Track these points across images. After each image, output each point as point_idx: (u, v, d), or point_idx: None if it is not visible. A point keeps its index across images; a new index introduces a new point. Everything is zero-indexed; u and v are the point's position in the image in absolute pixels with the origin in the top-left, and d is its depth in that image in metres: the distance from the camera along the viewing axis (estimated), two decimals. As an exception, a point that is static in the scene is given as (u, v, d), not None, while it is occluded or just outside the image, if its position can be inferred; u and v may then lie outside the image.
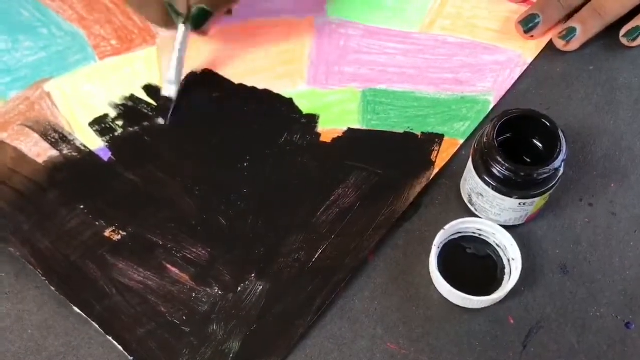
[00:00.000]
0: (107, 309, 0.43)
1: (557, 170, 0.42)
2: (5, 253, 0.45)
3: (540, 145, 0.45)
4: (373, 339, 0.43)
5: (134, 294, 0.44)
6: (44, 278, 0.44)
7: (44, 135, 0.50)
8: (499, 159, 0.42)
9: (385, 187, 0.48)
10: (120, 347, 0.42)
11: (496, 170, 0.42)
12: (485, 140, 0.43)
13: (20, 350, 0.42)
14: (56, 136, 0.50)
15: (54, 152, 0.49)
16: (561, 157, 0.42)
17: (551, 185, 0.43)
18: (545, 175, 0.42)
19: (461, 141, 0.50)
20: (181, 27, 0.49)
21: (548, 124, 0.43)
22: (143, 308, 0.43)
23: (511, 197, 0.43)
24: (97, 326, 0.42)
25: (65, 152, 0.49)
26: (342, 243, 0.45)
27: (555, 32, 0.54)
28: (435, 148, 0.49)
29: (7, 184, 0.47)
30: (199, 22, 0.49)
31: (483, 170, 0.43)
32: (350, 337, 0.43)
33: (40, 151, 0.49)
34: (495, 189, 0.43)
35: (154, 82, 0.52)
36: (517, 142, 0.44)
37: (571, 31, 0.53)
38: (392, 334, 0.43)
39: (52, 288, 0.43)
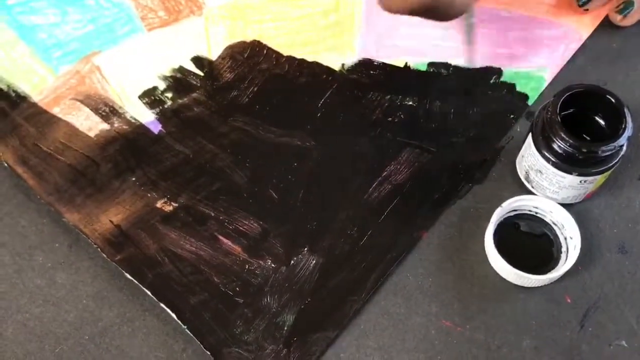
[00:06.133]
0: (159, 276, 0.43)
1: (621, 147, 0.41)
2: (58, 223, 0.45)
3: (603, 122, 0.44)
4: (428, 315, 0.42)
5: (186, 264, 0.43)
6: (96, 245, 0.44)
7: (95, 109, 0.49)
8: (563, 135, 0.40)
9: (438, 165, 0.47)
10: (174, 316, 0.42)
11: (557, 146, 0.41)
12: (547, 115, 0.42)
13: (76, 320, 0.42)
14: (107, 109, 0.49)
15: (105, 126, 0.49)
16: (627, 133, 0.41)
17: (613, 162, 0.42)
18: (609, 152, 0.41)
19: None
20: None
21: (613, 100, 0.42)
22: (196, 277, 0.43)
23: (572, 174, 0.42)
24: (150, 295, 0.42)
25: (116, 125, 0.49)
26: (395, 221, 0.45)
27: (612, 6, 0.52)
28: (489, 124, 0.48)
29: (60, 158, 0.47)
30: None
31: (544, 146, 0.42)
32: (404, 314, 0.42)
33: (91, 125, 0.49)
34: (555, 165, 0.42)
35: (202, 53, 0.52)
36: (578, 118, 0.43)
37: (628, 5, 0.52)
38: (447, 311, 0.42)
39: (104, 255, 0.44)
